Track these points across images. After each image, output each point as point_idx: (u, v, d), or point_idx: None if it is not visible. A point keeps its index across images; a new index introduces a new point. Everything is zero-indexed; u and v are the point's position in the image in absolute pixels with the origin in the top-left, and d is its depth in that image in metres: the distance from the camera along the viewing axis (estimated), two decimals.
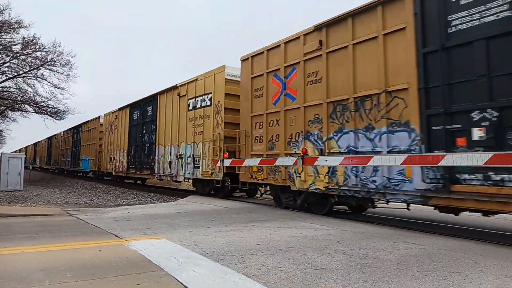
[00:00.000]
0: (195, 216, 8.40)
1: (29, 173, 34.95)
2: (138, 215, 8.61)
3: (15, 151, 67.58)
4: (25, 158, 55.37)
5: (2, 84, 29.17)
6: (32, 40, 25.65)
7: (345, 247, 5.20)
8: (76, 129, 32.06)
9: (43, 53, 26.83)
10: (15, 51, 26.05)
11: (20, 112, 31.59)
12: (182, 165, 14.81)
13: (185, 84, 15.09)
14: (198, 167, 13.59)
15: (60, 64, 27.61)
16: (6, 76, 28.28)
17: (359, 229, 6.77)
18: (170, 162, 15.76)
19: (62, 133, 37.45)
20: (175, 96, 15.78)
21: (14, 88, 30.04)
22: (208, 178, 12.98)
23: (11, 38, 25.29)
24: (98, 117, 25.87)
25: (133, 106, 20.11)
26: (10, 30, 24.77)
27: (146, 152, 18.29)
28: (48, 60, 27.20)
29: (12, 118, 35.11)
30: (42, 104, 29.86)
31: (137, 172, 19.07)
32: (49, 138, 44.40)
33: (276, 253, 4.80)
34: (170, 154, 15.81)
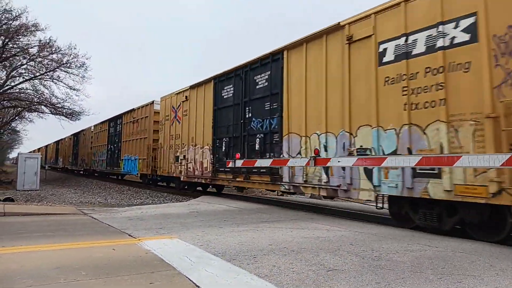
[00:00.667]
0: (207, 216, 8.44)
1: (45, 173, 35.51)
2: (151, 214, 8.68)
3: (34, 151, 68.41)
4: (45, 158, 56.33)
5: (20, 86, 29.76)
6: (48, 43, 26.13)
7: (357, 248, 5.16)
8: (114, 121, 26.82)
9: (59, 55, 27.32)
10: (32, 54, 26.57)
11: (36, 113, 32.19)
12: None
13: (369, 15, 7.88)
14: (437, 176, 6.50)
15: (76, 66, 28.09)
16: (23, 78, 28.86)
17: (372, 230, 6.71)
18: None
19: (92, 127, 33.27)
20: (334, 45, 8.73)
21: (31, 89, 30.63)
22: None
23: (28, 41, 25.79)
24: (152, 102, 20.37)
25: (221, 79, 13.42)
26: (27, 33, 25.26)
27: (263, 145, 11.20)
28: (64, 62, 27.69)
29: (29, 119, 35.83)
30: (58, 105, 30.38)
31: (238, 179, 11.99)
32: (75, 135, 39.70)
33: (288, 253, 4.79)
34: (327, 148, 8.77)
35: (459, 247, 5.33)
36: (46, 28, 26.19)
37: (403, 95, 7.02)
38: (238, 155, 11.66)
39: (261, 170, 10.77)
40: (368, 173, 7.54)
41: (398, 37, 7.22)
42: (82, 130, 35.70)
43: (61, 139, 48.65)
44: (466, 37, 6.12)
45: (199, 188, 16.84)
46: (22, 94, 31.12)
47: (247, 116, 11.80)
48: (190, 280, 3.65)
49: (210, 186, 16.49)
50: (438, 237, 6.25)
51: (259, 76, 11.48)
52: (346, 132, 8.16)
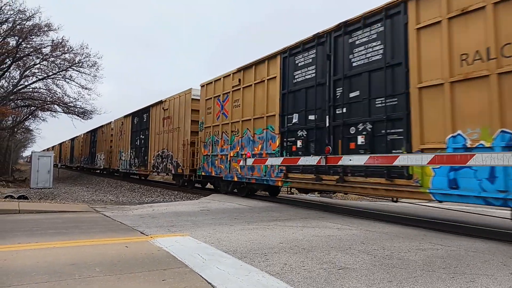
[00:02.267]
0: (218, 214, 8.48)
1: (58, 171, 35.99)
2: (163, 212, 8.76)
3: (48, 149, 69.01)
4: (59, 156, 56.30)
5: (33, 85, 30.25)
6: (61, 43, 26.56)
7: (369, 247, 5.14)
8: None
9: (71, 55, 27.76)
10: (44, 53, 27.00)
11: (49, 112, 32.69)
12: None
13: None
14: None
15: (88, 65, 28.52)
16: (37, 77, 29.36)
17: (383, 229, 6.68)
18: None
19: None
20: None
21: (44, 89, 31.17)
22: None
23: (41, 41, 26.21)
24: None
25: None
26: (40, 33, 25.66)
27: None
28: (76, 62, 28.11)
29: (41, 118, 36.41)
30: (70, 104, 30.84)
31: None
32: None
33: (299, 252, 4.80)
34: None
35: (472, 246, 5.28)
36: (58, 28, 26.71)
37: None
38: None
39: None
40: None
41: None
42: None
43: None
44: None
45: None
46: (35, 93, 31.67)
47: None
48: (202, 277, 3.69)
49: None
50: (451, 236, 6.20)
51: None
52: None
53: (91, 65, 28.69)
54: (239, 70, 12.50)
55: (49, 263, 4.13)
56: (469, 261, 4.46)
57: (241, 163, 12.01)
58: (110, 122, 29.46)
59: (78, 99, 30.90)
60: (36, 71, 28.92)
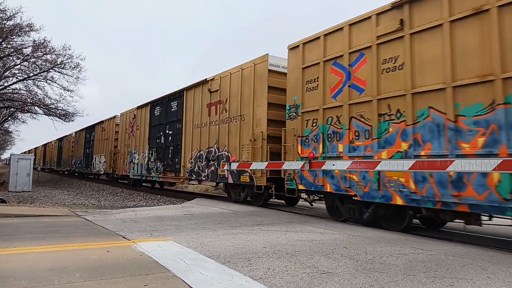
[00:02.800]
0: (201, 218, 8.44)
1: (38, 174, 35.23)
2: (145, 217, 8.66)
3: (29, 151, 66.85)
4: (44, 160, 53.84)
5: (13, 86, 29.57)
6: (42, 43, 26.03)
7: (351, 251, 5.19)
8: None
9: (53, 56, 27.22)
10: (25, 54, 26.43)
11: (29, 113, 31.99)
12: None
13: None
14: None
15: (70, 67, 27.99)
16: (17, 78, 28.69)
17: (366, 233, 6.75)
18: None
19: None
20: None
21: (24, 90, 30.47)
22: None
23: (22, 41, 25.66)
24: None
25: None
26: (22, 33, 25.14)
27: None
28: (58, 63, 27.58)
29: (21, 120, 35.59)
30: (51, 106, 30.23)
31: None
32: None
33: (283, 256, 4.81)
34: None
35: (452, 251, 5.39)
36: (40, 29, 26.10)
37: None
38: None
39: None
40: None
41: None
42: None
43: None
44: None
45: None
46: (15, 95, 30.95)
47: None
48: (185, 282, 3.66)
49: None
50: (432, 240, 6.31)
51: None
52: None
53: (73, 66, 28.17)
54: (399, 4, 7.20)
55: (28, 268, 4.04)
56: (448, 265, 4.55)
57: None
58: (115, 116, 23.80)
59: (60, 101, 30.24)
60: (17, 72, 28.28)
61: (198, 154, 13.96)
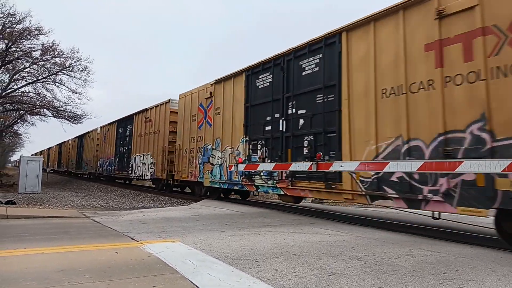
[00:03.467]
0: (209, 220, 8.45)
1: (47, 176, 35.55)
2: (153, 218, 8.70)
3: (38, 153, 66.66)
4: (48, 162, 52.75)
5: (22, 89, 29.95)
6: (51, 46, 26.34)
7: (359, 253, 5.17)
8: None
9: (62, 59, 27.53)
10: (34, 57, 26.74)
11: (38, 116, 32.34)
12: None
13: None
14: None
15: (78, 69, 28.30)
16: (26, 81, 29.05)
17: (374, 235, 6.72)
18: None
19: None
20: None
21: (33, 93, 30.83)
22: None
23: (31, 45, 25.98)
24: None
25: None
26: (31, 37, 25.44)
27: None
28: (67, 66, 27.89)
29: (31, 122, 35.98)
30: (60, 108, 30.54)
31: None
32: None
33: (290, 258, 4.81)
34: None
35: (461, 253, 5.34)
36: (49, 32, 26.50)
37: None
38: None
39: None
40: None
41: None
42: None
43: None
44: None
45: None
46: (24, 97, 31.32)
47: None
48: (193, 283, 3.67)
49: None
50: (440, 242, 6.26)
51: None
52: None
53: (81, 69, 28.47)
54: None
55: (38, 269, 4.08)
56: (458, 267, 4.51)
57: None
58: (169, 101, 18.05)
59: (68, 103, 30.57)
60: (26, 74, 28.63)
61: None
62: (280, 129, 10.16)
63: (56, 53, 26.84)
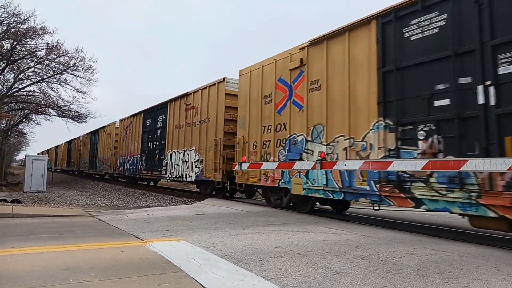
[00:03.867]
0: (213, 218, 8.47)
1: (52, 175, 35.76)
2: (158, 217, 8.73)
3: (45, 152, 66.01)
4: (56, 161, 50.85)
5: (27, 88, 30.13)
6: (55, 46, 26.50)
7: (364, 252, 5.16)
8: None
9: (66, 59, 27.70)
10: (39, 57, 26.90)
11: (43, 115, 32.53)
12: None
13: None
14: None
15: (82, 69, 28.46)
16: (31, 80, 29.24)
17: (378, 234, 6.71)
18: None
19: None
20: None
21: (38, 92, 31.02)
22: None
23: (36, 44, 26.13)
24: None
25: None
26: (35, 36, 25.58)
27: None
28: (71, 65, 28.05)
29: (36, 121, 36.19)
30: (64, 107, 30.71)
31: None
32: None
33: (295, 256, 4.81)
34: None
35: (466, 252, 5.32)
36: (53, 31, 26.68)
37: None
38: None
39: None
40: None
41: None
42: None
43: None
44: None
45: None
46: (29, 97, 31.53)
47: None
48: (198, 282, 3.68)
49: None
50: (445, 241, 6.24)
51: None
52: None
53: (86, 68, 28.62)
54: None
55: (43, 267, 4.11)
56: (463, 266, 4.49)
57: None
58: (217, 83, 14.31)
59: (73, 102, 30.75)
60: (31, 74, 28.82)
61: None
62: (481, 101, 5.96)
63: (61, 52, 27.01)
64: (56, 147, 56.58)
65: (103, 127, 28.51)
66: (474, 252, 5.30)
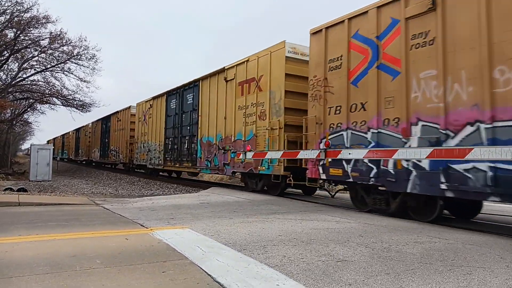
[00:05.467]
0: (217, 207, 8.52)
1: (57, 164, 35.99)
2: (162, 205, 8.79)
3: (49, 141, 65.67)
4: (63, 150, 49.14)
5: (31, 78, 30.18)
6: (59, 35, 26.46)
7: (367, 240, 5.18)
8: None
9: (70, 48, 27.67)
10: (43, 46, 26.88)
11: (48, 104, 32.63)
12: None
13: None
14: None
15: (86, 58, 28.44)
16: (35, 70, 29.28)
17: (381, 222, 6.73)
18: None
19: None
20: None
21: (42, 81, 31.08)
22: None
23: (39, 33, 26.10)
24: None
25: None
26: (38, 25, 25.54)
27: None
28: (75, 54, 28.02)
29: (40, 111, 36.34)
30: (69, 97, 30.78)
31: None
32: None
33: (298, 244, 4.84)
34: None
35: (470, 240, 5.33)
36: (57, 20, 26.56)
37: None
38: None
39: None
40: None
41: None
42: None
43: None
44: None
45: None
46: (33, 86, 31.62)
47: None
48: (202, 269, 3.72)
49: None
50: (448, 229, 6.24)
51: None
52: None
53: (89, 57, 28.60)
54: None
55: (50, 255, 4.16)
56: (466, 254, 4.50)
57: None
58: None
59: (77, 91, 30.81)
60: (35, 63, 28.85)
61: None
62: None
63: (64, 41, 26.97)
64: (63, 135, 54.93)
65: (116, 112, 26.49)
66: (477, 240, 5.31)
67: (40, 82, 31.38)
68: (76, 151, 42.29)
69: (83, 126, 38.78)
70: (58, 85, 30.88)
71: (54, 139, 64.24)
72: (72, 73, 29.52)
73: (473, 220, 7.76)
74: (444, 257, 4.30)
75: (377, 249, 4.66)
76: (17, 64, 28.37)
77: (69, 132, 48.45)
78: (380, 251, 4.56)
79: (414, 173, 6.79)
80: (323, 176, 8.82)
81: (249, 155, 11.64)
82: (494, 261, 4.19)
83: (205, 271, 3.65)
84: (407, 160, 6.92)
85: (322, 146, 8.84)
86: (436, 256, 4.36)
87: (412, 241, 5.13)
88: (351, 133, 8.16)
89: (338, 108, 8.52)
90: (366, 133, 7.81)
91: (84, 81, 30.02)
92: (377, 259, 4.19)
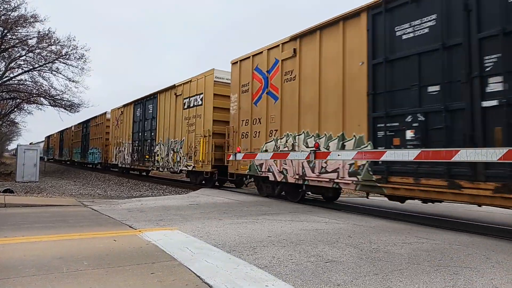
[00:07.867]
0: (207, 208, 8.49)
1: (44, 165, 35.51)
2: (151, 206, 8.74)
3: (30, 143, 64.92)
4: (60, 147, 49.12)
5: (18, 77, 29.71)
6: (47, 34, 26.05)
7: (356, 240, 5.22)
8: None
9: (58, 47, 27.26)
10: (30, 45, 26.47)
11: (35, 104, 32.14)
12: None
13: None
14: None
15: (75, 57, 28.04)
16: (22, 69, 28.80)
17: (370, 223, 6.77)
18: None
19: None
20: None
21: (30, 81, 30.58)
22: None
23: (27, 32, 25.69)
24: None
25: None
26: (26, 24, 25.14)
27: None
28: (63, 54, 27.63)
29: (27, 111, 35.78)
30: (57, 97, 30.37)
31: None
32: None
33: (287, 245, 4.85)
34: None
35: (457, 240, 5.40)
36: (45, 19, 26.14)
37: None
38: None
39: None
40: None
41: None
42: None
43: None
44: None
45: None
46: (21, 86, 31.11)
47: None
48: (191, 270, 3.70)
49: None
50: (436, 229, 6.32)
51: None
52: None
53: (78, 57, 28.21)
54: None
55: (37, 256, 4.10)
56: (453, 254, 4.56)
57: None
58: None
59: (65, 92, 30.35)
60: (22, 63, 28.37)
61: None
62: None
63: (52, 41, 26.57)
64: (48, 137, 55.56)
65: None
66: (464, 241, 5.38)
67: (27, 82, 30.89)
68: (60, 151, 42.80)
69: (66, 129, 38.81)
70: (46, 85, 30.43)
71: (48, 136, 63.35)
72: (60, 73, 29.12)
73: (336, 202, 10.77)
74: (431, 258, 4.35)
75: (366, 249, 4.69)
76: (4, 63, 27.91)
77: (53, 134, 47.99)
78: (369, 251, 4.59)
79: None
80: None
81: (239, 156, 11.68)
82: (480, 261, 4.25)
83: (194, 273, 3.64)
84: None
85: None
86: (424, 256, 4.41)
87: (401, 242, 5.17)
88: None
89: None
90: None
91: (73, 81, 29.63)
92: (365, 259, 4.22)
